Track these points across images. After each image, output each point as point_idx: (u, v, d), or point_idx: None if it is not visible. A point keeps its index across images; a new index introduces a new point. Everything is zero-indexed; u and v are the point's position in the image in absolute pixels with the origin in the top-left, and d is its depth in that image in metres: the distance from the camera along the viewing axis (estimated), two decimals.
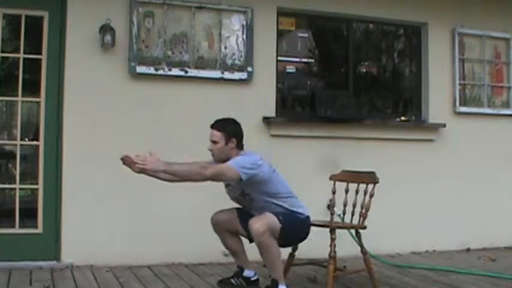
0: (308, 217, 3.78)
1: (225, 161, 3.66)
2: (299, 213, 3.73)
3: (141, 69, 4.71)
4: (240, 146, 3.76)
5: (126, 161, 3.49)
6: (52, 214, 4.55)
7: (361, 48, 5.89)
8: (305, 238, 3.81)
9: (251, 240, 3.69)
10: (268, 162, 3.72)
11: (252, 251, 3.78)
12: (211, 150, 3.73)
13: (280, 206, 3.68)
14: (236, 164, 3.55)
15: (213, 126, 3.75)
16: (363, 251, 4.01)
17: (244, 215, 3.81)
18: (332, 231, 3.86)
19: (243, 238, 3.94)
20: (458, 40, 5.71)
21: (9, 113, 4.93)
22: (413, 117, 5.74)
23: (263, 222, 3.49)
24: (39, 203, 4.56)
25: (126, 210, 4.63)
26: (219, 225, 3.91)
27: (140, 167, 3.40)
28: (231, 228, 3.89)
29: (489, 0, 5.71)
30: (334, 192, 4.21)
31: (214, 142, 3.70)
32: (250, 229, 3.51)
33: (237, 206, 3.92)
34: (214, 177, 3.54)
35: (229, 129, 3.72)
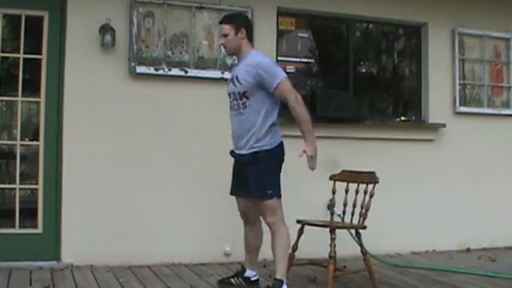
0: (281, 142, 3.82)
1: (237, 53, 3.78)
2: (275, 142, 3.77)
3: (141, 69, 4.71)
4: (250, 37, 3.81)
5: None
6: (52, 214, 4.55)
7: (361, 48, 5.89)
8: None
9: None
10: None
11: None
12: (223, 44, 3.80)
13: (263, 124, 3.67)
14: (281, 75, 3.63)
15: (221, 22, 3.82)
16: (363, 251, 4.02)
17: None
18: (332, 231, 3.87)
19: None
20: (458, 40, 5.71)
21: (9, 113, 4.93)
22: (413, 117, 5.74)
23: (272, 214, 3.65)
24: (39, 203, 4.56)
25: (126, 210, 4.62)
26: (242, 210, 3.89)
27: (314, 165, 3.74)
28: (250, 205, 3.82)
29: (489, 0, 5.71)
30: (334, 192, 4.22)
31: (225, 36, 3.76)
32: (265, 222, 3.71)
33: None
34: (299, 98, 3.66)
35: (238, 21, 3.80)
